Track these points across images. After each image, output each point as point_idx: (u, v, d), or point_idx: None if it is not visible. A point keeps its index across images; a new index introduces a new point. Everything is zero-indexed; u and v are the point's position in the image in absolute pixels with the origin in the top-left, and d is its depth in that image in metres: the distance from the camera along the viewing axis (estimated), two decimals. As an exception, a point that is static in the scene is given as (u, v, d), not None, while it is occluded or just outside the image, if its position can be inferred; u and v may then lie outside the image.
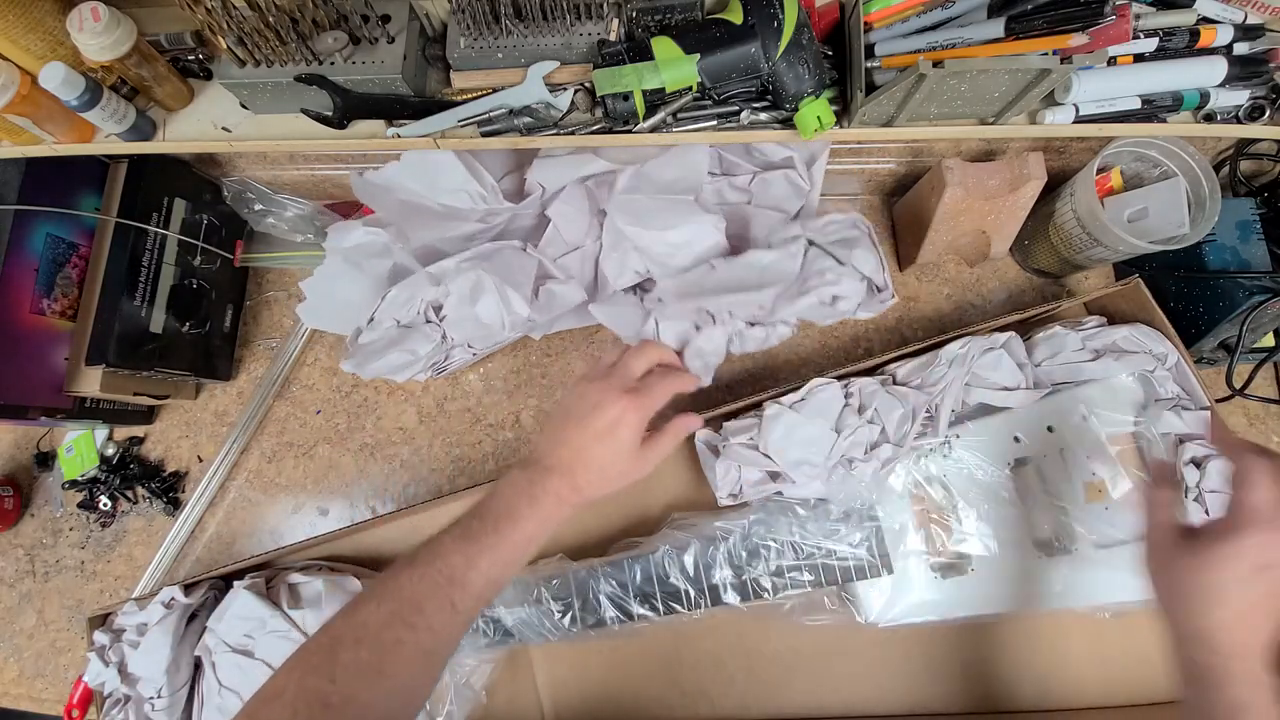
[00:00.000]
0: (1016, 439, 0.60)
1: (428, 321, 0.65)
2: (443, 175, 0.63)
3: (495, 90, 0.53)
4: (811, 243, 0.62)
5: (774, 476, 0.60)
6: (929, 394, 0.60)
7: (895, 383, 0.63)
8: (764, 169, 0.68)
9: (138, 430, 0.78)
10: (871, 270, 0.61)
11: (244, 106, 0.57)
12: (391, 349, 0.63)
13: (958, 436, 0.61)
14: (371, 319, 0.66)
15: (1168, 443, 0.57)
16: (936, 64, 0.46)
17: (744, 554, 0.59)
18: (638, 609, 0.58)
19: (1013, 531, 0.59)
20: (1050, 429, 0.60)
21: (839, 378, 0.63)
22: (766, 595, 0.58)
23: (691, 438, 0.65)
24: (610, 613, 0.58)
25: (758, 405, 0.63)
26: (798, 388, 0.62)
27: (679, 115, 0.53)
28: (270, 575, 0.64)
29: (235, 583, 0.61)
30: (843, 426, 0.59)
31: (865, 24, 0.50)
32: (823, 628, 0.60)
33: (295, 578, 0.62)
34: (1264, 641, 0.38)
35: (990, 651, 0.62)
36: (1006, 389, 0.62)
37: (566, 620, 0.59)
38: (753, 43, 0.48)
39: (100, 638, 0.61)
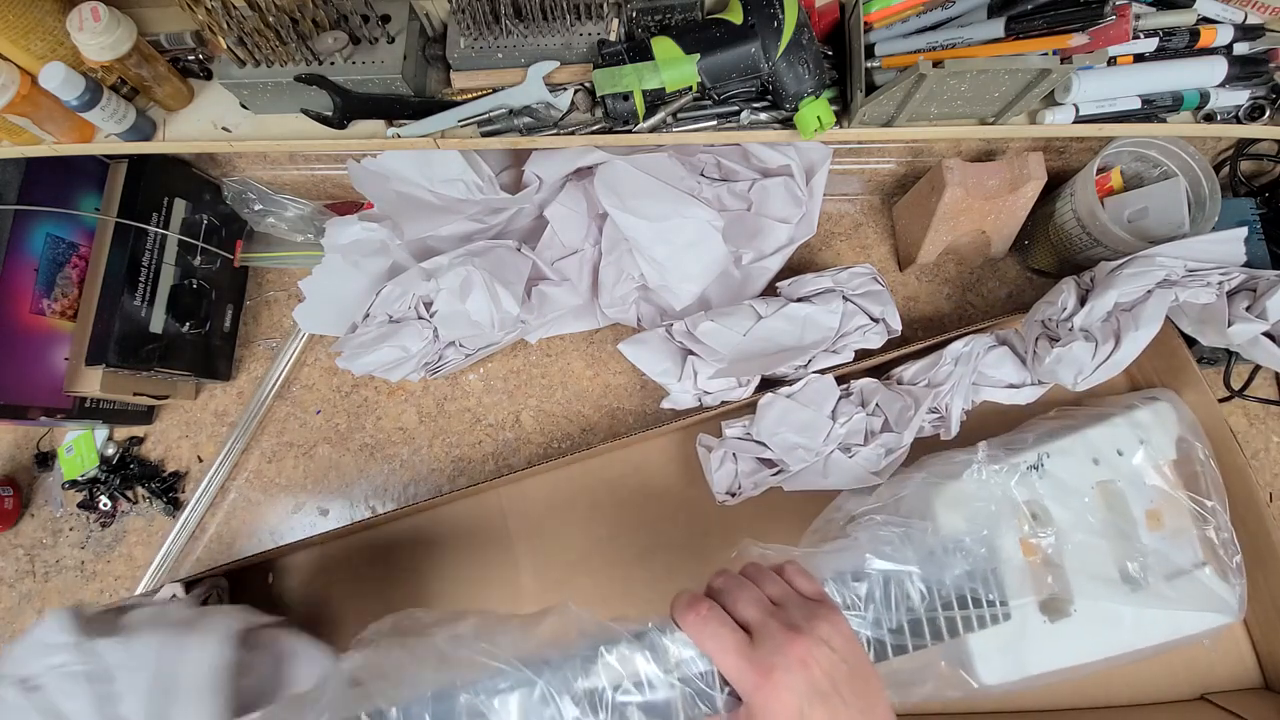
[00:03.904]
0: (1095, 461, 0.55)
1: (419, 318, 0.65)
2: (439, 163, 0.63)
3: (495, 90, 0.53)
4: (845, 297, 0.63)
5: (769, 465, 0.60)
6: (934, 390, 0.60)
7: (901, 384, 0.63)
8: (762, 175, 0.68)
9: (138, 430, 0.78)
10: (896, 324, 0.63)
11: (244, 106, 0.57)
12: (382, 344, 0.63)
13: (1049, 455, 0.55)
14: (366, 315, 0.66)
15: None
16: (936, 64, 0.46)
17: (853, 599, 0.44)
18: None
19: (1101, 565, 0.53)
20: (1120, 453, 0.56)
21: (839, 380, 0.63)
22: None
23: (693, 443, 0.65)
24: None
25: (754, 406, 0.63)
26: (794, 380, 0.62)
27: (679, 115, 0.53)
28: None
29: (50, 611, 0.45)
30: (839, 415, 0.59)
31: (865, 24, 0.50)
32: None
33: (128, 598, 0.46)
34: None
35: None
36: (1013, 386, 0.62)
37: None
38: (753, 43, 0.48)
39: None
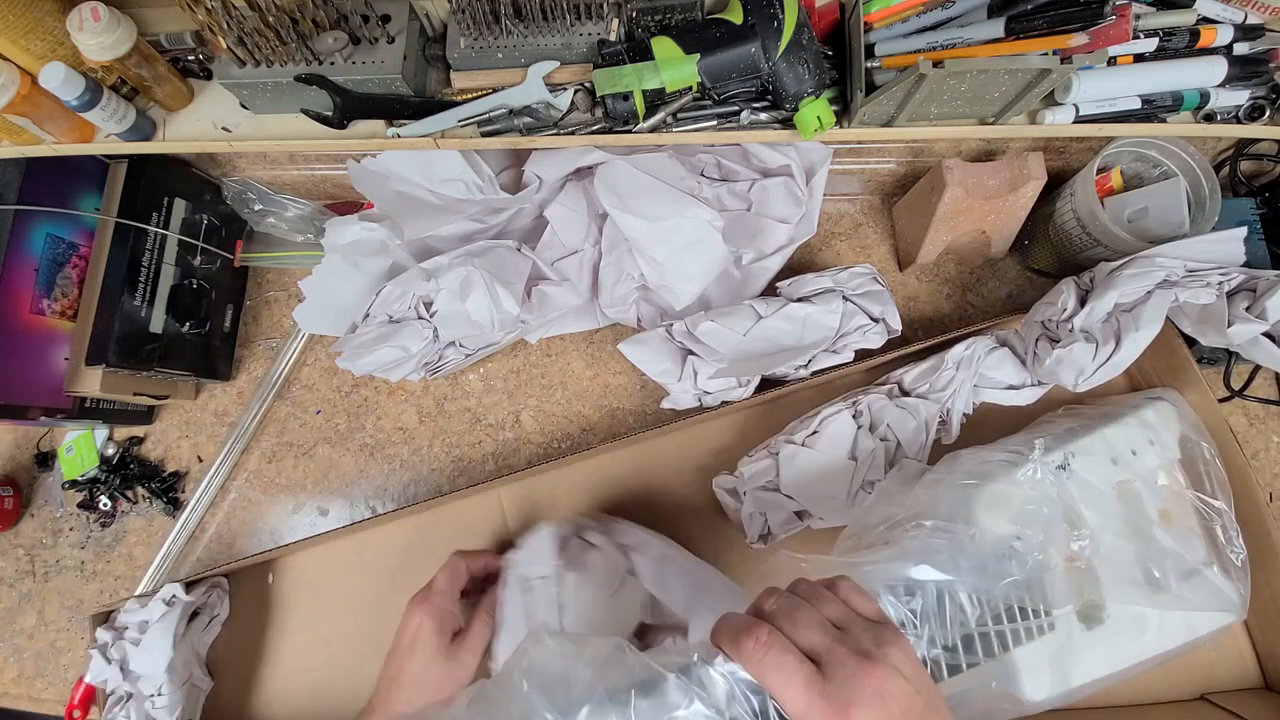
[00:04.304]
0: (1113, 461, 0.54)
1: (419, 318, 0.65)
2: (439, 163, 0.63)
3: (495, 90, 0.53)
4: (845, 297, 0.63)
5: (799, 516, 0.61)
6: (938, 400, 0.60)
7: (903, 390, 0.63)
8: (762, 175, 0.68)
9: (138, 430, 0.78)
10: (896, 324, 0.63)
11: (244, 106, 0.57)
12: (382, 344, 0.63)
13: (1074, 455, 0.53)
14: (366, 315, 0.66)
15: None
16: (936, 64, 0.46)
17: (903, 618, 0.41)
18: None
19: (1128, 567, 0.51)
20: (1134, 452, 0.55)
21: (841, 381, 0.63)
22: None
23: (693, 443, 0.65)
24: None
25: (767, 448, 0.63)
26: (810, 416, 0.62)
27: (679, 115, 0.53)
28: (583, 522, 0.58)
29: (542, 525, 0.56)
30: (859, 453, 0.59)
31: (865, 24, 0.50)
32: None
33: (590, 532, 0.56)
34: None
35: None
36: (1013, 387, 0.62)
37: None
38: (753, 43, 0.48)
39: (103, 635, 0.62)
